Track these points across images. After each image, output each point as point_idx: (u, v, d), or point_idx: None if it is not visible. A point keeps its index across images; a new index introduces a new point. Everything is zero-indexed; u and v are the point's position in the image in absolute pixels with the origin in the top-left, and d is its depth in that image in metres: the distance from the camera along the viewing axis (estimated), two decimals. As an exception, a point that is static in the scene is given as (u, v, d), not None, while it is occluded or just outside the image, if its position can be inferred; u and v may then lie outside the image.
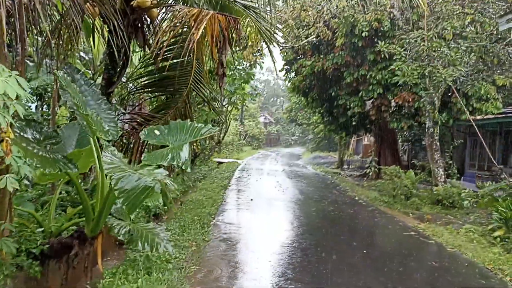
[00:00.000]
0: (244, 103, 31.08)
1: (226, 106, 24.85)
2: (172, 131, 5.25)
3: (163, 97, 7.59)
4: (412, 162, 27.41)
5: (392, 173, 13.82)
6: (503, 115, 18.84)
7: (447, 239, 8.78)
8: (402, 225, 10.35)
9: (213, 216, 9.81)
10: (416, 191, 14.06)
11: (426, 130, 14.56)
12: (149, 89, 7.20)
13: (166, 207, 10.46)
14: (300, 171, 26.13)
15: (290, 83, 25.52)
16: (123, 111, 7.80)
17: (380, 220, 10.80)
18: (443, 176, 14.19)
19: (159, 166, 4.83)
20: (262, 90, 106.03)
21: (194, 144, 15.53)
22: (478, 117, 19.60)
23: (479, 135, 14.06)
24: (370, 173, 21.09)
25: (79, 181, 6.50)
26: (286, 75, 25.60)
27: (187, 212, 9.87)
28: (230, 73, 22.50)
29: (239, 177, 19.58)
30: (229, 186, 15.80)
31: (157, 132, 5.19)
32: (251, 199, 12.77)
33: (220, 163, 26.49)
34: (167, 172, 4.72)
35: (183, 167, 4.79)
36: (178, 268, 5.67)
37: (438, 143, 14.37)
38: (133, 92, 7.24)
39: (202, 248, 6.94)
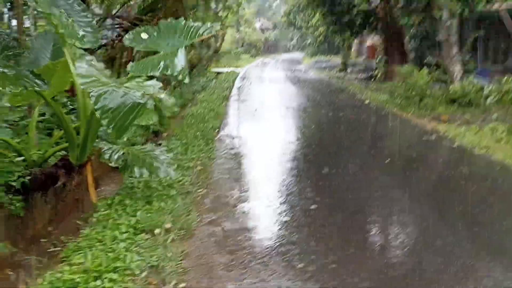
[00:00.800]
0: (241, 7, 29.07)
1: (221, 10, 23.15)
2: (163, 34, 4.27)
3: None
4: (425, 60, 26.25)
5: (406, 73, 12.83)
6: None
7: (472, 140, 8.08)
8: (420, 128, 9.64)
9: (216, 130, 9.08)
10: (431, 91, 13.17)
11: (442, 23, 13.29)
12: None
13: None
14: (303, 76, 25.06)
15: (289, -19, 23.45)
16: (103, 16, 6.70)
17: (396, 124, 10.08)
18: (460, 73, 13.23)
19: (150, 78, 3.95)
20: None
21: (190, 54, 14.42)
22: (496, 6, 18.12)
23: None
24: (379, 74, 20.04)
25: (64, 100, 5.65)
26: (284, -28, 23.41)
27: (188, 128, 9.11)
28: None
29: (240, 86, 18.63)
30: (231, 96, 14.93)
31: (144, 35, 4.22)
32: (255, 109, 11.98)
33: (218, 73, 25.33)
34: (161, 84, 3.85)
35: (180, 77, 3.90)
36: (182, 193, 5.01)
37: (454, 38, 13.20)
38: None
39: (208, 167, 6.27)
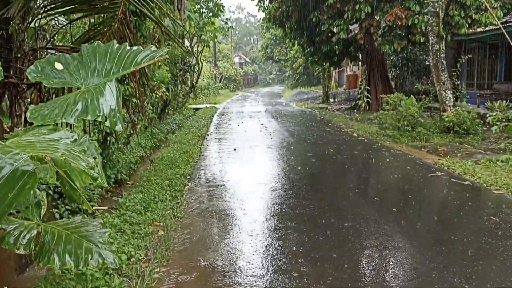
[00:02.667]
0: (216, 41, 28.31)
1: (196, 45, 22.25)
2: (85, 63, 3.01)
3: (89, 20, 5.27)
4: (406, 87, 25.62)
5: (395, 101, 11.83)
6: (504, 25, 16.78)
7: (484, 177, 6.95)
8: (420, 163, 8.49)
9: (188, 177, 7.76)
10: (423, 120, 12.19)
11: (430, 48, 12.44)
12: (63, 8, 4.83)
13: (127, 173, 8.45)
14: (285, 109, 24.04)
15: (264, 13, 22.80)
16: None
17: (393, 160, 8.91)
18: (452, 100, 12.30)
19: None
20: (234, 30, 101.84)
21: (161, 91, 13.24)
22: (479, 29, 17.58)
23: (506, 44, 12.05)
24: (363, 105, 19.14)
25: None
26: (259, 3, 22.79)
27: (155, 175, 7.79)
28: (197, 6, 19.75)
29: (218, 123, 17.43)
30: (208, 135, 13.68)
31: (58, 65, 2.95)
32: (234, 149, 10.72)
33: (196, 109, 24.24)
34: (75, 136, 2.58)
35: (109, 123, 2.62)
36: (131, 278, 3.65)
37: (444, 62, 12.33)
38: (39, 13, 4.83)
39: (171, 231, 4.91)
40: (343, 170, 8.43)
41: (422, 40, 17.08)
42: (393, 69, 25.84)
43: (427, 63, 13.50)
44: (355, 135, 12.58)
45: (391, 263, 4.04)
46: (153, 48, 3.18)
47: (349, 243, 4.50)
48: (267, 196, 6.45)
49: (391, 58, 25.40)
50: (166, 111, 17.03)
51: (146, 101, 10.42)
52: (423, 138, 11.33)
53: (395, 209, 5.57)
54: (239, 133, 13.88)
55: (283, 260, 4.09)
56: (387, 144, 10.84)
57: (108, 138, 7.44)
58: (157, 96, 13.30)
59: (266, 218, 5.37)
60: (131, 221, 5.00)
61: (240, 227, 5.08)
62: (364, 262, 4.08)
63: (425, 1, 13.25)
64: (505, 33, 9.25)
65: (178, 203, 6.05)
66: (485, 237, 4.53)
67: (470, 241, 4.51)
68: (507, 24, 16.71)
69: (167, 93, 13.83)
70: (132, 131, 9.24)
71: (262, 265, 4.00)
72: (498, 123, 8.69)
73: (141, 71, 7.88)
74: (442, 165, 8.10)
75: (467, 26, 17.12)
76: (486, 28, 17.23)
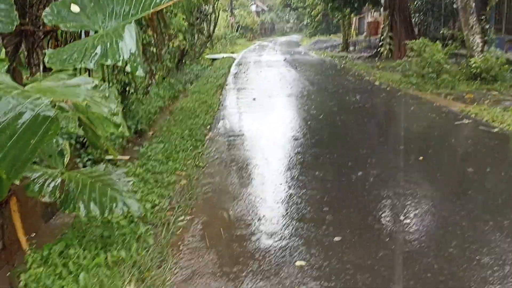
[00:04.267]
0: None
1: (212, -8, 21.56)
2: (103, 4, 2.87)
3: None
4: (431, 33, 24.65)
5: (420, 47, 11.35)
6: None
7: (513, 124, 6.71)
8: (446, 111, 8.23)
9: (208, 127, 7.70)
10: (449, 67, 11.74)
11: (459, -11, 11.76)
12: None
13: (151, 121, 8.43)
14: (303, 58, 23.52)
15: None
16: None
17: (418, 108, 8.67)
18: (481, 45, 11.74)
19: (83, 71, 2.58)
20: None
21: (179, 40, 12.96)
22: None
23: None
24: (385, 52, 18.53)
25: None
26: None
27: (175, 125, 7.74)
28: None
29: (236, 73, 17.17)
30: (226, 85, 13.49)
31: (74, 7, 2.81)
32: (254, 99, 10.56)
33: (214, 59, 23.88)
34: (96, 82, 2.48)
35: (129, 69, 2.51)
36: (157, 225, 3.67)
37: (473, 5, 11.67)
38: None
39: (194, 180, 4.90)
40: (365, 119, 8.23)
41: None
42: (417, 14, 24.75)
43: (454, 6, 12.80)
44: (377, 83, 12.25)
45: (418, 212, 3.96)
46: (171, -13, 3.01)
47: (375, 191, 4.42)
48: (289, 145, 6.37)
49: (415, 2, 24.29)
50: (183, 61, 16.80)
51: (164, 50, 10.23)
52: (449, 85, 10.95)
53: (421, 158, 5.43)
54: (258, 83, 13.66)
55: (308, 208, 4.05)
56: (411, 92, 10.53)
57: (127, 88, 7.37)
58: (174, 45, 13.05)
59: (289, 167, 5.30)
60: (154, 170, 4.99)
61: (263, 176, 5.04)
62: (389, 212, 4.01)
63: None
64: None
65: (199, 152, 6.01)
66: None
67: (503, 190, 4.38)
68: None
69: (184, 42, 13.55)
70: (150, 81, 9.13)
71: (287, 213, 3.97)
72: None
73: (159, 17, 7.66)
74: (469, 113, 7.83)
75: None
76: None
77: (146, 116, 8.23)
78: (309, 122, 7.69)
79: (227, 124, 8.03)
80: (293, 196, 4.33)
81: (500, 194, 4.27)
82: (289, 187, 4.63)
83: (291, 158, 5.71)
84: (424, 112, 8.35)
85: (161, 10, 3.52)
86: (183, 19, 12.91)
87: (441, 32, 12.91)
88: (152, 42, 7.76)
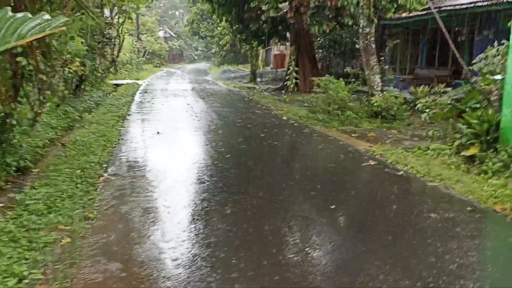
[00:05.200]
0: (139, 13, 26.61)
1: (117, 16, 20.63)
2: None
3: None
4: (332, 69, 25.82)
5: (326, 84, 11.58)
6: (426, 12, 17.28)
7: (417, 167, 6.81)
8: (353, 150, 8.28)
9: (104, 166, 6.88)
10: (352, 104, 12.12)
11: (360, 31, 12.30)
12: None
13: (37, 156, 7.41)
14: (212, 88, 23.24)
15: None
16: None
17: (326, 147, 8.63)
18: (380, 84, 12.32)
19: None
20: (159, 2, 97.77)
21: (76, 65, 11.92)
22: (404, 15, 17.90)
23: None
24: (291, 86, 18.90)
25: None
26: (185, -25, 21.56)
27: (66, 163, 6.83)
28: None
29: (141, 101, 16.28)
30: (128, 115, 12.61)
31: None
32: (158, 132, 9.87)
33: (117, 85, 22.70)
34: None
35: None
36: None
37: (374, 46, 12.26)
38: None
39: (79, 238, 4.12)
40: (274, 158, 7.97)
41: (350, 23, 17.05)
42: (320, 51, 25.90)
43: (357, 46, 13.39)
44: (285, 118, 12.23)
45: (322, 263, 3.62)
46: (47, 16, 2.39)
47: (285, 251, 4.03)
48: (195, 190, 5.82)
49: (318, 39, 25.42)
50: (82, 87, 15.60)
51: (57, 77, 9.20)
52: (353, 122, 11.25)
53: (332, 206, 5.20)
54: (164, 114, 12.98)
55: (213, 276, 3.51)
56: (318, 129, 10.59)
57: (7, 120, 6.39)
58: (71, 71, 11.98)
59: (193, 219, 4.74)
60: (29, 225, 4.14)
61: (163, 231, 4.41)
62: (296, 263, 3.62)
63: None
64: (437, 17, 9.20)
65: (90, 199, 5.22)
66: (430, 238, 4.26)
67: (415, 243, 4.22)
68: (430, 11, 17.18)
69: (82, 68, 12.51)
70: (39, 111, 8.08)
71: (188, 280, 3.39)
72: (428, 110, 8.68)
73: (44, 43, 6.77)
74: (374, 153, 7.93)
75: (393, 10, 17.38)
76: (411, 14, 17.59)
77: (31, 150, 7.22)
78: (216, 162, 7.21)
79: (126, 162, 7.25)
80: (197, 258, 3.77)
81: (417, 246, 4.10)
82: (193, 246, 4.06)
83: (196, 206, 5.15)
84: (332, 151, 8.32)
85: (43, 37, 2.89)
86: (81, 43, 11.95)
87: (346, 70, 13.35)
88: (38, 68, 6.86)
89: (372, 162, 7.31)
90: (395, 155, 7.65)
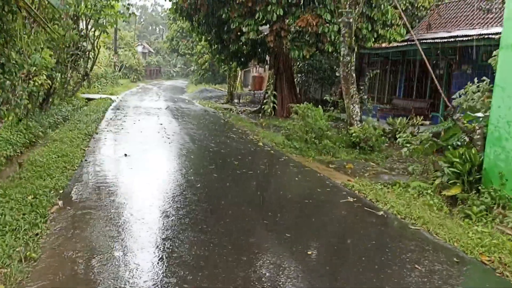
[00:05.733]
0: (117, 27, 26.03)
1: (92, 30, 20.00)
2: None
3: None
4: (309, 94, 25.69)
5: (305, 112, 11.23)
6: (406, 43, 17.37)
7: (398, 206, 6.42)
8: (330, 184, 7.87)
9: (61, 192, 6.25)
10: (330, 133, 11.81)
11: (341, 59, 12.08)
12: None
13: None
14: (187, 108, 22.70)
15: (171, 2, 21.25)
16: None
17: (303, 180, 8.19)
18: (359, 114, 12.07)
19: None
20: (139, 17, 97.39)
21: (42, 78, 11.26)
22: (383, 45, 17.94)
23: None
24: (269, 110, 18.57)
25: None
26: (166, -8, 21.20)
27: (18, 187, 6.19)
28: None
29: (111, 119, 15.61)
30: (96, 133, 11.96)
31: None
32: (125, 154, 9.26)
33: (89, 99, 21.96)
34: None
35: None
36: None
37: (354, 75, 12.05)
38: None
39: (16, 285, 3.52)
40: (248, 191, 7.44)
41: (331, 50, 16.95)
42: (299, 75, 25.78)
43: (336, 74, 13.16)
44: (261, 144, 11.79)
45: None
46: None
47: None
48: (158, 226, 5.25)
49: (298, 64, 25.32)
50: (51, 100, 14.88)
51: (18, 90, 8.54)
52: (330, 152, 10.90)
53: (309, 252, 4.73)
54: (134, 134, 12.36)
55: None
56: (294, 158, 10.18)
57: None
58: (36, 84, 11.30)
59: (153, 264, 4.18)
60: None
61: (116, 279, 3.84)
62: None
63: (339, 10, 12.92)
64: (419, 47, 9.02)
65: (37, 234, 4.60)
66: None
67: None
68: (409, 43, 17.25)
69: (49, 81, 11.82)
70: (-5, 126, 7.44)
71: None
72: (408, 145, 8.39)
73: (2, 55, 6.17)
74: (353, 188, 7.54)
75: (373, 40, 17.40)
76: (390, 44, 17.63)
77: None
78: (184, 192, 6.66)
79: (85, 190, 6.62)
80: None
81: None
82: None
83: (157, 247, 4.59)
84: (309, 185, 7.88)
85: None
86: (50, 55, 11.31)
87: (324, 97, 13.09)
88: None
89: (350, 199, 6.90)
90: (374, 191, 7.28)
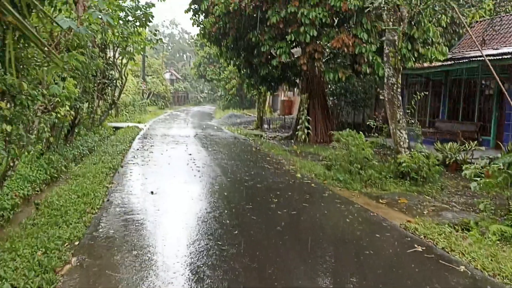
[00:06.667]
0: (145, 54, 25.72)
1: (119, 58, 19.62)
2: None
3: None
4: (342, 118, 24.55)
5: (348, 139, 10.14)
6: (449, 62, 16.11)
7: (481, 259, 5.22)
8: (388, 227, 6.70)
9: (76, 244, 5.33)
10: (376, 162, 10.66)
11: (385, 81, 10.98)
12: None
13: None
14: (216, 135, 21.88)
15: (199, 28, 20.77)
16: None
17: (354, 220, 7.03)
18: (407, 141, 10.88)
19: None
20: (167, 45, 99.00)
21: (65, 109, 10.59)
22: (425, 65, 16.76)
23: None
24: (303, 136, 17.53)
25: None
26: (193, 17, 20.74)
27: (28, 238, 5.34)
28: (121, 14, 17.21)
29: (138, 149, 14.85)
30: (121, 166, 11.14)
31: None
32: (152, 192, 8.36)
33: (117, 128, 21.49)
34: None
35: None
36: None
37: (400, 98, 10.91)
38: None
39: None
40: (294, 240, 6.27)
41: (368, 71, 15.91)
42: (330, 98, 24.75)
43: (380, 97, 12.09)
44: (299, 175, 10.71)
45: None
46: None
47: None
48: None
49: (330, 87, 24.33)
50: (76, 131, 14.27)
51: (36, 124, 7.79)
52: (377, 183, 9.74)
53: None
54: (161, 166, 11.49)
55: None
56: (339, 192, 9.06)
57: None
58: (59, 115, 10.63)
59: None
60: None
61: None
62: None
63: (382, 27, 11.92)
64: (490, 66, 7.86)
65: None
66: None
67: None
68: (453, 61, 16.03)
69: (72, 112, 11.16)
70: (9, 167, 6.63)
71: None
72: (478, 178, 7.16)
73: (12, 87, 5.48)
74: (417, 232, 6.36)
75: (414, 60, 16.26)
76: (432, 64, 16.46)
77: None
78: (219, 243, 5.62)
79: (104, 241, 5.67)
80: None
81: None
82: None
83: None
84: (364, 228, 6.70)
85: None
86: (74, 84, 10.67)
87: (367, 123, 11.98)
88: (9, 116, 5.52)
89: (419, 247, 5.72)
90: (444, 236, 6.09)
